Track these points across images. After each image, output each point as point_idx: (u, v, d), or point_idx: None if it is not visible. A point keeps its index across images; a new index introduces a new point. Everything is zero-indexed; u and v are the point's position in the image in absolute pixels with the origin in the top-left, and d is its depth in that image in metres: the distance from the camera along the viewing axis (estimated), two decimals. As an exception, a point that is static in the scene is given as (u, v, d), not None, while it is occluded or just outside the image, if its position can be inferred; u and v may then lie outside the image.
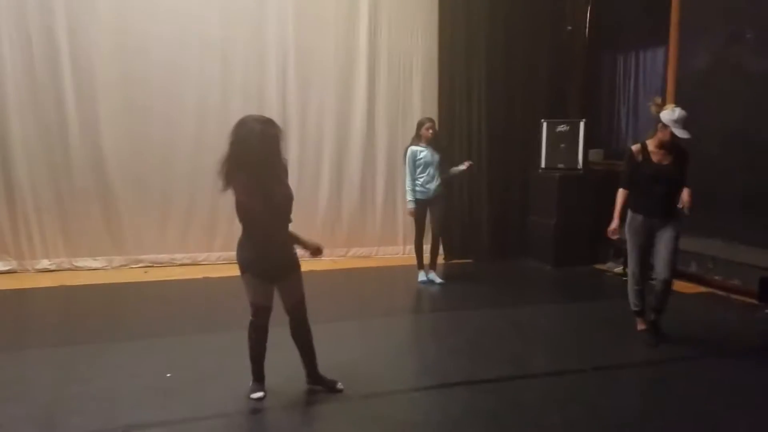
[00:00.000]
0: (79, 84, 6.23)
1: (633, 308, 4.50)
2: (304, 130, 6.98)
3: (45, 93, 6.16)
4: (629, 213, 4.36)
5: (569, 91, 7.63)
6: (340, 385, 3.55)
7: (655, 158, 4.20)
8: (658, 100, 4.33)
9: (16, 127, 6.10)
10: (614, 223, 4.36)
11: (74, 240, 6.40)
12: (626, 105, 7.31)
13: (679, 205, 4.40)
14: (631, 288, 4.46)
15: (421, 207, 5.97)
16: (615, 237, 4.40)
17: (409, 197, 5.94)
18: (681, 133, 4.05)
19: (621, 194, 4.36)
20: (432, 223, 6.10)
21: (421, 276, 6.14)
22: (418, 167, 5.88)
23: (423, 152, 5.89)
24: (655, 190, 4.20)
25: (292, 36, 6.83)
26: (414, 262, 6.24)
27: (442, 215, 6.19)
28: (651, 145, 4.23)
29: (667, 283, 4.32)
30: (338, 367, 3.72)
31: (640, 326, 4.49)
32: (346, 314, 5.08)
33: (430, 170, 5.90)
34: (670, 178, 4.19)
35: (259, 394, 3.42)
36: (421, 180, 5.89)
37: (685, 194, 4.40)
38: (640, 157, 4.24)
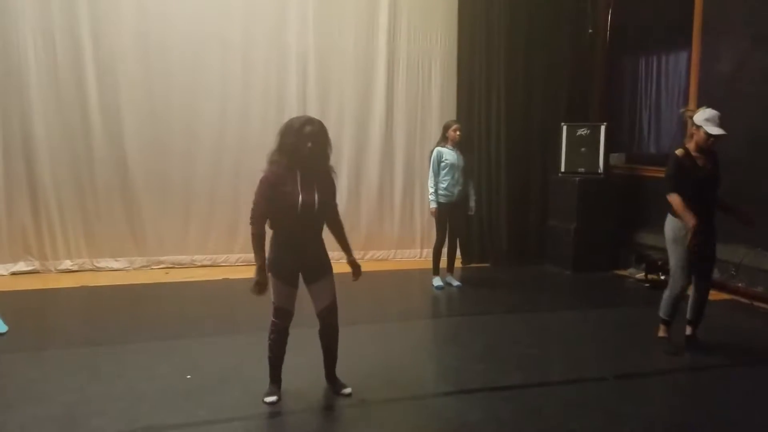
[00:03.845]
0: (102, 87, 6.32)
1: (664, 317, 4.36)
2: (324, 132, 7.01)
3: (68, 95, 6.25)
4: (677, 222, 4.12)
5: (590, 95, 7.57)
6: (347, 391, 3.53)
7: (700, 162, 4.12)
8: (691, 107, 4.26)
9: (40, 129, 6.20)
10: (694, 220, 3.93)
11: (96, 241, 6.48)
12: (648, 108, 7.21)
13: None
14: (670, 298, 4.28)
15: (443, 210, 5.88)
16: (700, 232, 3.95)
17: (431, 198, 5.89)
18: (715, 131, 3.99)
19: (679, 197, 4.05)
20: (452, 226, 6.04)
21: (437, 281, 6.07)
22: (443, 169, 5.82)
23: (449, 154, 5.84)
24: (706, 196, 4.09)
25: (312, 39, 6.87)
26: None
27: (464, 220, 6.14)
28: (691, 150, 4.15)
29: (705, 296, 4.27)
30: (355, 370, 3.72)
31: (662, 333, 4.41)
32: (363, 318, 5.07)
33: (455, 174, 5.83)
34: (716, 182, 4.13)
35: (273, 399, 3.42)
36: (445, 183, 5.82)
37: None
38: (687, 162, 4.11)
